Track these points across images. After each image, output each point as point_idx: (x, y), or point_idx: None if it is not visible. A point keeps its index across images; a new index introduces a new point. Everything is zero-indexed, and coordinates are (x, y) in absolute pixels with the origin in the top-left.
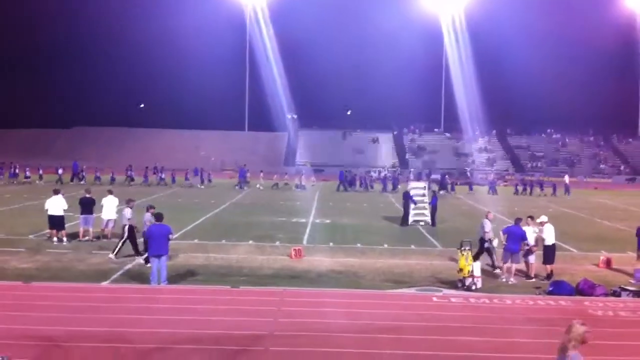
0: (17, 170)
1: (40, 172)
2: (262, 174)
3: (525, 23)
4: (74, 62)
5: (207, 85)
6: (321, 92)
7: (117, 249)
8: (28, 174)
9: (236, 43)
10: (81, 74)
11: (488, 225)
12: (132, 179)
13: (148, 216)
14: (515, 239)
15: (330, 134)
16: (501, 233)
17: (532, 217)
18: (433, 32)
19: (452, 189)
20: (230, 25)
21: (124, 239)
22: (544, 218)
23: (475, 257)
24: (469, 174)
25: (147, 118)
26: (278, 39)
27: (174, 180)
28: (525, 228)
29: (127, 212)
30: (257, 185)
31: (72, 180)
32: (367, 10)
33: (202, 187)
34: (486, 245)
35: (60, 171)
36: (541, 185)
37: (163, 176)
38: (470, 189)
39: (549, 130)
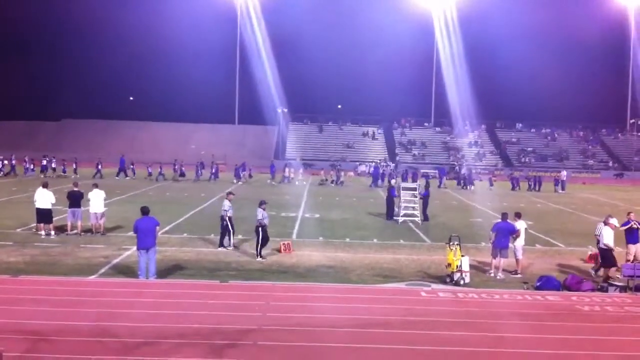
0: (53, 164)
1: (74, 165)
2: (301, 170)
3: (515, 18)
4: (63, 54)
5: (197, 78)
6: (312, 85)
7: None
8: (65, 168)
9: (227, 36)
10: (70, 66)
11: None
12: (183, 174)
13: (260, 211)
14: (504, 234)
15: (322, 127)
16: (491, 232)
17: (519, 215)
18: (424, 26)
19: (471, 183)
20: (221, 18)
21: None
22: (614, 221)
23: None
24: (457, 168)
25: (137, 111)
26: (269, 32)
27: (217, 176)
28: (517, 223)
29: (226, 203)
30: (297, 182)
31: (118, 175)
32: (358, 5)
33: (241, 182)
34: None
35: (99, 166)
36: (556, 181)
37: (214, 170)
38: (491, 184)
39: (518, 125)
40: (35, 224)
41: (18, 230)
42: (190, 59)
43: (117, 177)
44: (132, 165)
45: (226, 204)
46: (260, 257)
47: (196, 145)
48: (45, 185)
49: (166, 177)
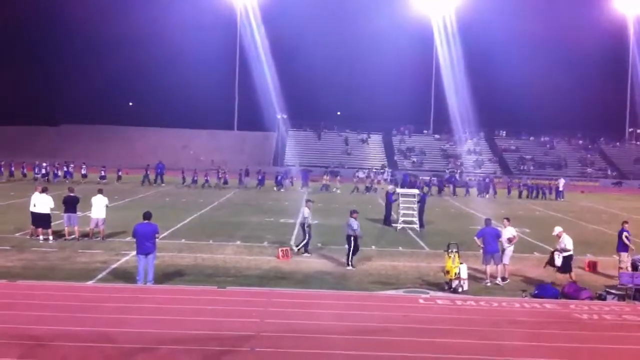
0: (83, 171)
1: (120, 172)
2: (339, 177)
3: (515, 26)
4: (62, 59)
5: (197, 84)
6: (311, 92)
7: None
8: (103, 173)
9: (226, 41)
10: (70, 72)
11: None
12: (226, 182)
13: (353, 221)
14: (491, 239)
15: (320, 134)
16: (475, 238)
17: (508, 219)
18: (423, 33)
19: (494, 191)
20: (220, 24)
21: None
22: (558, 229)
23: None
24: (457, 176)
25: (136, 116)
26: (269, 38)
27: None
28: (506, 229)
29: (306, 211)
30: (334, 189)
31: (155, 181)
32: (358, 11)
33: (283, 190)
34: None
35: (147, 172)
36: (549, 189)
37: (260, 178)
38: (509, 192)
39: (501, 132)
40: (30, 229)
41: (17, 235)
42: (190, 65)
43: (158, 184)
44: (183, 172)
45: (306, 211)
46: (352, 266)
47: (195, 151)
48: (44, 190)
49: (210, 185)
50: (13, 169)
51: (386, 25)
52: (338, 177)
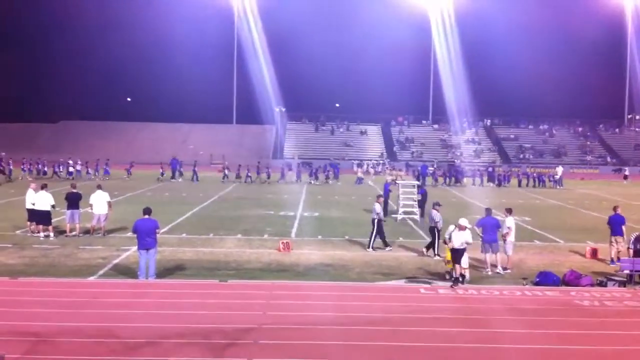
0: (106, 166)
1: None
2: (372, 170)
3: (513, 15)
4: (60, 56)
5: (195, 78)
6: (309, 84)
7: (371, 242)
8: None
9: (224, 35)
10: (68, 68)
11: None
12: (269, 176)
13: (436, 213)
14: (490, 229)
15: (319, 127)
16: (475, 227)
17: (510, 210)
18: (421, 24)
19: (506, 180)
20: (218, 18)
21: (374, 232)
22: (464, 222)
23: None
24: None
25: (134, 112)
26: (266, 31)
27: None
28: (507, 219)
29: (377, 206)
30: (370, 182)
31: (172, 177)
32: (355, 3)
33: (317, 183)
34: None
35: (162, 168)
36: (548, 177)
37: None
38: (508, 181)
39: (486, 121)
40: (28, 227)
41: (17, 232)
42: (188, 59)
43: (172, 180)
44: (224, 168)
45: (377, 207)
46: (439, 255)
47: (194, 145)
48: (44, 187)
49: (253, 180)
50: (40, 166)
51: (384, 16)
52: (372, 171)
